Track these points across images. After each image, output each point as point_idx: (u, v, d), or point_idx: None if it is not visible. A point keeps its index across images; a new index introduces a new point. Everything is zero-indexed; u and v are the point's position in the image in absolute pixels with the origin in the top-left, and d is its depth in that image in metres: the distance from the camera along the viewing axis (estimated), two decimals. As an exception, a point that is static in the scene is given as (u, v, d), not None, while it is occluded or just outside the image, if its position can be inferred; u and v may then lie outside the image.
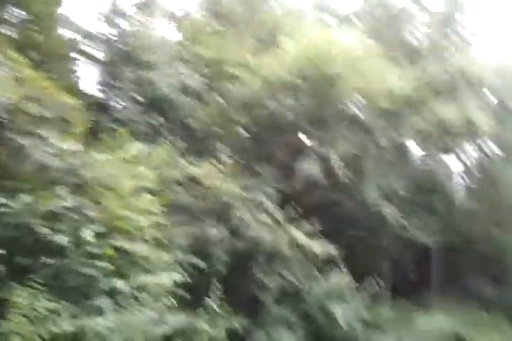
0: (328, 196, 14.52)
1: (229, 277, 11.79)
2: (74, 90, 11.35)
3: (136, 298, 8.43)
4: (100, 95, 15.08)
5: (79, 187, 8.39)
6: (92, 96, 14.62)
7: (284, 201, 13.39)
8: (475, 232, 20.83)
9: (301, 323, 12.14)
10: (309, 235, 12.87)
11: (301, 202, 13.17)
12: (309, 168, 13.83)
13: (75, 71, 14.58)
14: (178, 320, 9.43)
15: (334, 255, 13.15)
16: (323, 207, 13.89)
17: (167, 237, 11.08)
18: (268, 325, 12.09)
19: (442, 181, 18.11)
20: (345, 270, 13.70)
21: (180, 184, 12.01)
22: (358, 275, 14.38)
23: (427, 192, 17.65)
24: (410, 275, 19.84)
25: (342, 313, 12.01)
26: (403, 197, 15.75)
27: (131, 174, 9.61)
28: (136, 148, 10.92)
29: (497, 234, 20.30)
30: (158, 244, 10.23)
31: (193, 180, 12.09)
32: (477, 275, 20.04)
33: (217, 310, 10.46)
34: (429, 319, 15.05)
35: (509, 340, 14.82)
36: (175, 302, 9.12)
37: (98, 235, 8.13)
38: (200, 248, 11.72)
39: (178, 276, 9.46)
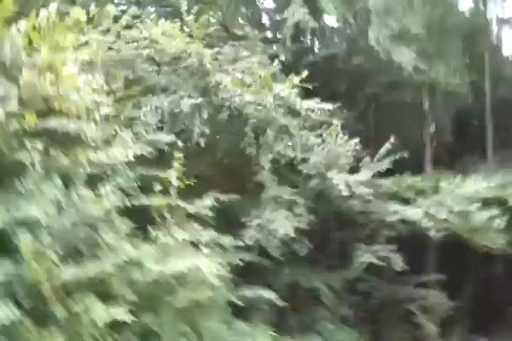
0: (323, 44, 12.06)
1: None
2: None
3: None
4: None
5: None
6: None
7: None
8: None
9: (300, 201, 10.51)
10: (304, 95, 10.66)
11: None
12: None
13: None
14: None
15: (338, 117, 11.05)
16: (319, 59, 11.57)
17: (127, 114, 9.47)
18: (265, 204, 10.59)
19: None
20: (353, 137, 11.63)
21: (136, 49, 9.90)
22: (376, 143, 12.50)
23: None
24: (449, 138, 17.82)
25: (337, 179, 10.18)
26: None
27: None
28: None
29: None
30: (114, 121, 8.61)
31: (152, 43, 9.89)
32: None
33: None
34: (466, 185, 12.98)
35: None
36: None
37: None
38: (172, 123, 9.96)
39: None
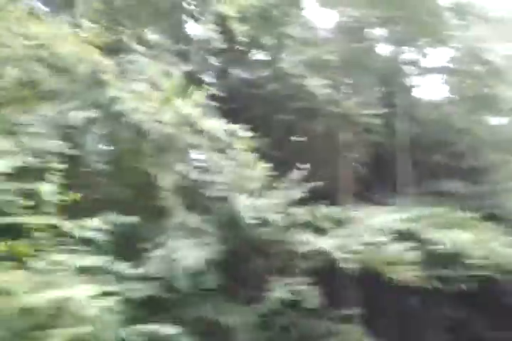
0: (229, 63, 11.71)
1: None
2: None
3: None
4: None
5: None
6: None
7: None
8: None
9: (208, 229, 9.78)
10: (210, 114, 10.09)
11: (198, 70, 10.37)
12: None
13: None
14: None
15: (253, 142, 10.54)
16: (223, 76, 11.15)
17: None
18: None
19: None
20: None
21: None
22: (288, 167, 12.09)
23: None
24: (362, 171, 17.95)
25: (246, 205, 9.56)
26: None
27: None
28: None
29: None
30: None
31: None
32: (447, 174, 18.28)
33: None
34: (379, 216, 12.82)
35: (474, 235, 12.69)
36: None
37: None
38: (67, 136, 8.98)
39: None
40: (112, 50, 10.27)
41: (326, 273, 13.97)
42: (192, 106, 9.23)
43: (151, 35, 11.50)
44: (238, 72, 12.71)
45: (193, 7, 11.81)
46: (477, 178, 17.97)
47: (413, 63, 20.65)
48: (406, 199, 16.31)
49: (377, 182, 19.21)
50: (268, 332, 11.90)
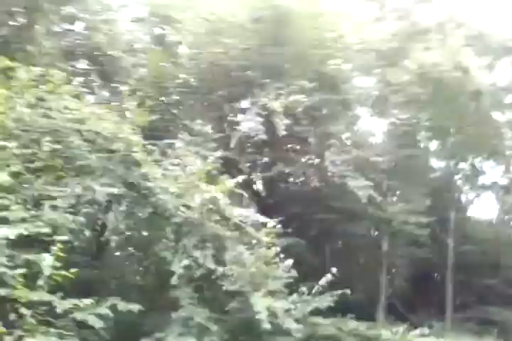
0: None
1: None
2: None
3: None
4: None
5: None
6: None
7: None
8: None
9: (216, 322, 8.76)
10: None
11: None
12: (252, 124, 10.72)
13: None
14: None
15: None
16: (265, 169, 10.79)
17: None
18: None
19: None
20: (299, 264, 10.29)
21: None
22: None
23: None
24: (403, 286, 16.49)
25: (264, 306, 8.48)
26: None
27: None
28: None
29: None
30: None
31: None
32: (498, 300, 16.70)
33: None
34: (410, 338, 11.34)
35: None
36: None
37: None
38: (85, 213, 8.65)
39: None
40: (156, 133, 10.33)
41: None
42: (222, 192, 8.79)
43: (197, 125, 11.60)
44: (280, 167, 12.44)
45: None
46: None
47: (468, 179, 19.95)
48: (446, 324, 14.69)
49: (418, 301, 17.65)
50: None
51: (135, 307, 8.69)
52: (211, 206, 8.90)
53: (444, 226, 18.00)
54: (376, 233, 13.57)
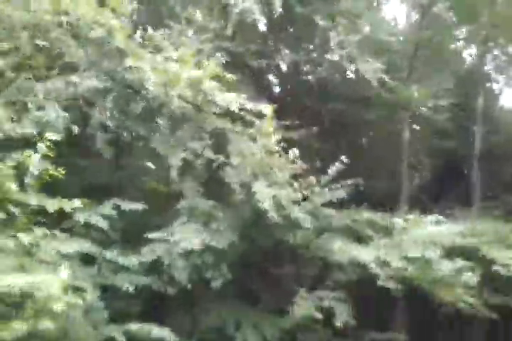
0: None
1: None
2: None
3: None
4: None
5: None
6: None
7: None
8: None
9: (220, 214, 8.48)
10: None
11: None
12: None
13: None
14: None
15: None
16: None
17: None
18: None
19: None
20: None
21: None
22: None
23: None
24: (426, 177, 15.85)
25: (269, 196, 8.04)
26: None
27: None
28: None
29: None
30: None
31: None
32: None
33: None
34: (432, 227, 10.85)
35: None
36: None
37: None
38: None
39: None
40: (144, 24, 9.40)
41: (363, 288, 12.28)
42: (210, 77, 8.02)
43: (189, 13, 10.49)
44: (287, 55, 11.37)
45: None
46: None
47: (499, 68, 18.47)
48: (472, 213, 14.24)
49: (443, 192, 17.17)
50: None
51: (138, 206, 8.52)
52: (207, 97, 8.19)
53: (472, 115, 16.95)
54: (394, 121, 12.64)
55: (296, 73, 12.28)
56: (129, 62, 8.15)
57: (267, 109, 8.18)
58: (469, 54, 18.94)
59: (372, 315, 13.58)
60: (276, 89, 12.60)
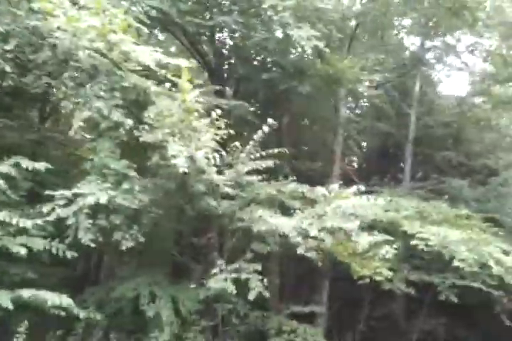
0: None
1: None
2: None
3: None
4: None
5: None
6: None
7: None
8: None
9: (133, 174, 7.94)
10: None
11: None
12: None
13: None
14: None
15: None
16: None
17: None
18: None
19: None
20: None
21: None
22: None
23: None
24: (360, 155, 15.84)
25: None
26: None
27: None
28: None
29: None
30: None
31: None
32: (456, 172, 16.23)
33: None
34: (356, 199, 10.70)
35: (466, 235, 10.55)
36: None
37: None
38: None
39: None
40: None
41: (284, 259, 12.11)
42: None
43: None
44: (223, 20, 10.75)
45: None
46: (487, 180, 15.82)
47: (439, 57, 18.67)
48: (401, 192, 14.33)
49: (375, 172, 17.26)
50: (207, 322, 10.16)
51: (41, 165, 7.83)
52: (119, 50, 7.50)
53: (409, 99, 17.08)
54: (330, 96, 12.33)
55: (230, 37, 11.73)
56: (35, 5, 7.39)
57: (185, 62, 7.59)
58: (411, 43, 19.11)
59: (294, 288, 13.50)
60: (211, 55, 12.01)
